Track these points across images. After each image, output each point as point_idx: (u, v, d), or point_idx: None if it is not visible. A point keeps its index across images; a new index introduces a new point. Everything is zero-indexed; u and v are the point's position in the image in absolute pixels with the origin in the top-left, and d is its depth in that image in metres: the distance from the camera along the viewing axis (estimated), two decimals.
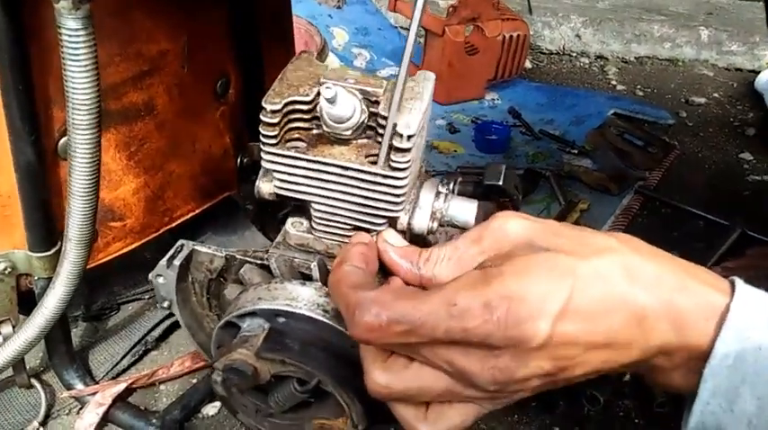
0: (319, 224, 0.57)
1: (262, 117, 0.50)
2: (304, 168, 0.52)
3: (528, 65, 1.91)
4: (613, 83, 1.88)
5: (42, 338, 0.71)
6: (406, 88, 0.50)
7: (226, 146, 0.85)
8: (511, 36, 1.64)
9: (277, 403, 0.58)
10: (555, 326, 0.40)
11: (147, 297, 0.96)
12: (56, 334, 0.75)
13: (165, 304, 0.63)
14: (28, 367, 0.80)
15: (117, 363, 0.86)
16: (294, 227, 0.58)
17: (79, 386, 0.80)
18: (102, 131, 0.61)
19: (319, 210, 0.55)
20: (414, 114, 0.51)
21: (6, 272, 0.69)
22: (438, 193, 0.58)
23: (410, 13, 1.65)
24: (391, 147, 0.51)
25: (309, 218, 0.58)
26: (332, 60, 1.61)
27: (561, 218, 1.21)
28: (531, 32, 1.84)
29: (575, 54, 2.01)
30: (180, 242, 0.62)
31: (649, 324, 0.41)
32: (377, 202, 0.53)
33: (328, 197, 0.54)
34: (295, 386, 0.56)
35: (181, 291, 0.64)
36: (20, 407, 0.79)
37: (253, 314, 0.55)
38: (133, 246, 0.79)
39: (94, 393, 0.79)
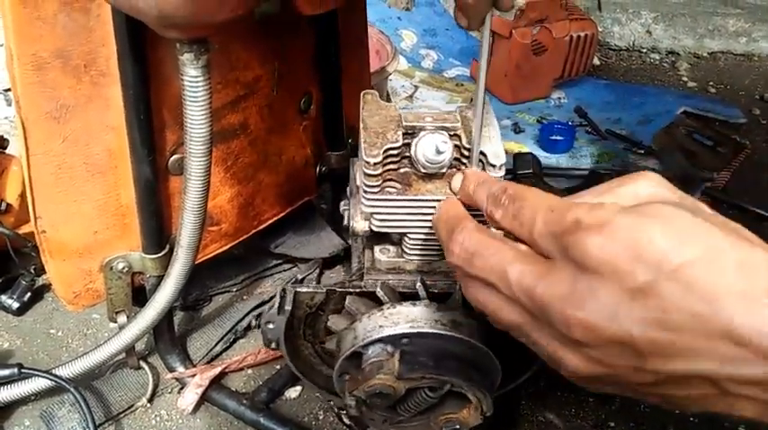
0: (412, 249, 0.63)
1: (365, 170, 0.57)
2: (405, 207, 0.59)
3: (596, 61, 1.91)
4: (684, 79, 1.86)
5: (153, 327, 0.82)
6: (470, 115, 0.56)
7: (307, 156, 0.94)
8: (579, 36, 1.65)
9: (408, 410, 0.66)
10: (667, 276, 0.34)
11: (234, 289, 1.06)
12: (162, 323, 0.86)
13: (273, 345, 0.70)
14: (136, 351, 0.91)
15: (211, 349, 0.96)
16: (383, 254, 0.65)
17: (180, 369, 0.91)
18: None
19: (415, 238, 0.62)
20: (495, 142, 0.58)
21: (124, 270, 0.80)
22: None
23: None
24: None
25: (394, 243, 0.65)
26: (401, 63, 1.68)
27: None
28: (600, 29, 1.85)
29: (645, 50, 1.99)
30: (282, 288, 0.69)
31: None
32: None
33: (425, 227, 0.61)
34: (427, 393, 0.63)
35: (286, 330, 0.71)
36: (131, 386, 0.90)
37: (376, 341, 0.61)
38: (227, 247, 0.89)
39: (194, 375, 0.90)
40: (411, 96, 1.66)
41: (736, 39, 1.95)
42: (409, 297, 0.63)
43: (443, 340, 0.59)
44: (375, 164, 0.57)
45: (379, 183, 0.58)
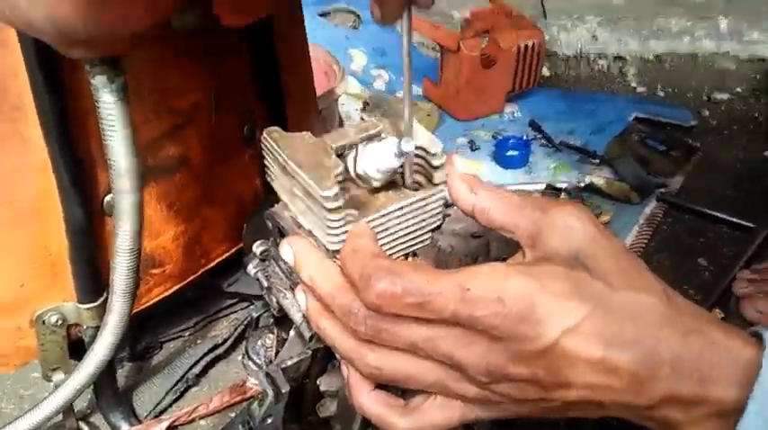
0: None
1: (327, 205, 0.50)
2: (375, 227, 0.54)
3: (546, 72, 1.90)
4: (633, 84, 1.87)
5: (92, 384, 0.75)
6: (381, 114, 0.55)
7: (256, 187, 0.88)
8: (526, 45, 1.62)
9: None
10: (562, 338, 0.40)
11: (186, 334, 0.99)
12: (102, 378, 0.78)
13: None
14: (75, 410, 0.82)
15: (159, 402, 0.89)
16: None
17: (125, 427, 0.84)
18: (143, 186, 0.64)
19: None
20: (422, 133, 0.54)
21: (58, 323, 0.72)
22: None
23: (425, 31, 1.64)
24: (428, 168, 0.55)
25: None
26: (352, 85, 1.63)
27: None
28: (547, 37, 1.82)
29: (592, 56, 1.99)
30: (264, 372, 0.58)
31: (667, 372, 0.40)
32: (430, 218, 0.56)
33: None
34: None
35: None
36: None
37: None
38: (173, 289, 0.82)
39: None
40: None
41: (680, 38, 1.95)
42: None
43: None
44: (335, 195, 0.50)
45: (342, 215, 0.51)
